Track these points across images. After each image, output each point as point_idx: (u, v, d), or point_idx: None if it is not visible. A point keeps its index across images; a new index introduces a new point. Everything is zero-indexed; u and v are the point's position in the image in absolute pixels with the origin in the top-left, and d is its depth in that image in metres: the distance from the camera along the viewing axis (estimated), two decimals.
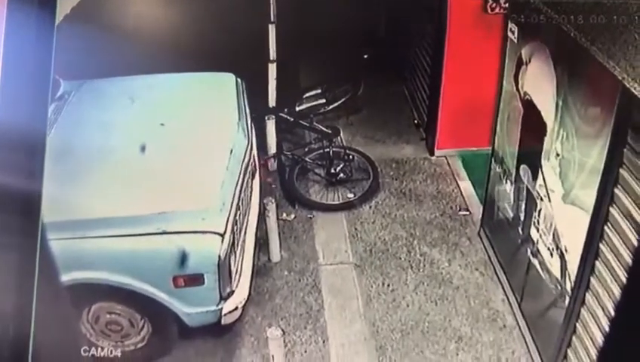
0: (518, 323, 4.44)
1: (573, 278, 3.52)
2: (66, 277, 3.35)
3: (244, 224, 4.41)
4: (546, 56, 3.76)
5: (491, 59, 5.27)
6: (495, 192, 4.83)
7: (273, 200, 4.84)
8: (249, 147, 4.62)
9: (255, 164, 4.97)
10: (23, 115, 1.82)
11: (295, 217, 5.55)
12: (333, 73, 6.61)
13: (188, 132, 4.50)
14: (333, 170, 5.88)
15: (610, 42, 3.02)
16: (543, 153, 3.85)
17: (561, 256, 3.65)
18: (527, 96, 4.08)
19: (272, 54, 5.71)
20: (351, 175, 5.94)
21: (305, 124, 6.16)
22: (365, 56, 6.91)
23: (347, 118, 6.92)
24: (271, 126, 5.85)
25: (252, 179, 4.76)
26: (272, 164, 6.05)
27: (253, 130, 5.00)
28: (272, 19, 5.59)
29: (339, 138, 6.20)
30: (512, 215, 4.49)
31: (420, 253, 5.12)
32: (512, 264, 4.59)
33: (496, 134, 4.74)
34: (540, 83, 3.90)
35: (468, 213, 5.60)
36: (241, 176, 4.30)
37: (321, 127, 6.13)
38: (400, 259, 5.08)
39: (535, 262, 4.06)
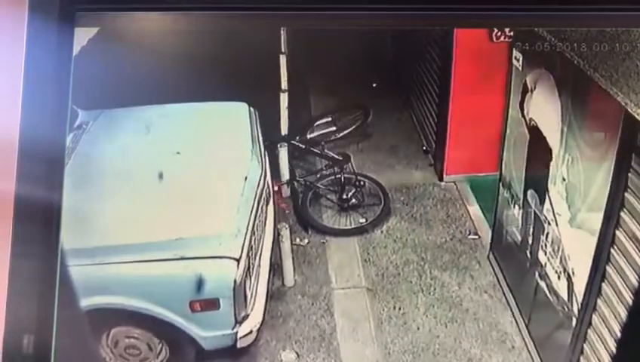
0: (526, 345, 4.47)
1: (580, 300, 3.57)
2: (85, 302, 3.44)
3: (259, 249, 4.49)
4: (550, 83, 3.84)
5: (497, 85, 5.32)
6: (503, 216, 4.89)
7: (287, 226, 4.92)
8: (263, 174, 4.72)
9: (269, 191, 5.04)
10: (43, 144, 1.91)
11: (308, 242, 5.58)
12: (343, 101, 6.69)
13: (203, 160, 4.60)
14: (345, 196, 5.93)
15: (613, 69, 3.10)
16: (549, 178, 3.92)
17: (569, 279, 3.71)
18: (532, 122, 4.15)
19: (284, 84, 5.81)
20: (362, 200, 5.98)
21: (316, 151, 6.21)
22: (374, 85, 6.99)
23: (357, 144, 6.96)
24: (283, 153, 5.90)
25: (266, 206, 4.84)
26: (286, 191, 6.09)
27: (267, 158, 5.10)
28: (282, 50, 5.70)
29: (350, 164, 6.26)
30: (520, 239, 4.55)
31: (430, 277, 5.17)
32: (520, 287, 4.64)
33: (503, 160, 4.81)
34: (545, 109, 3.98)
35: (477, 237, 5.62)
36: (256, 202, 4.39)
37: (332, 153, 6.20)
38: (411, 282, 5.13)
39: (543, 284, 4.11)
